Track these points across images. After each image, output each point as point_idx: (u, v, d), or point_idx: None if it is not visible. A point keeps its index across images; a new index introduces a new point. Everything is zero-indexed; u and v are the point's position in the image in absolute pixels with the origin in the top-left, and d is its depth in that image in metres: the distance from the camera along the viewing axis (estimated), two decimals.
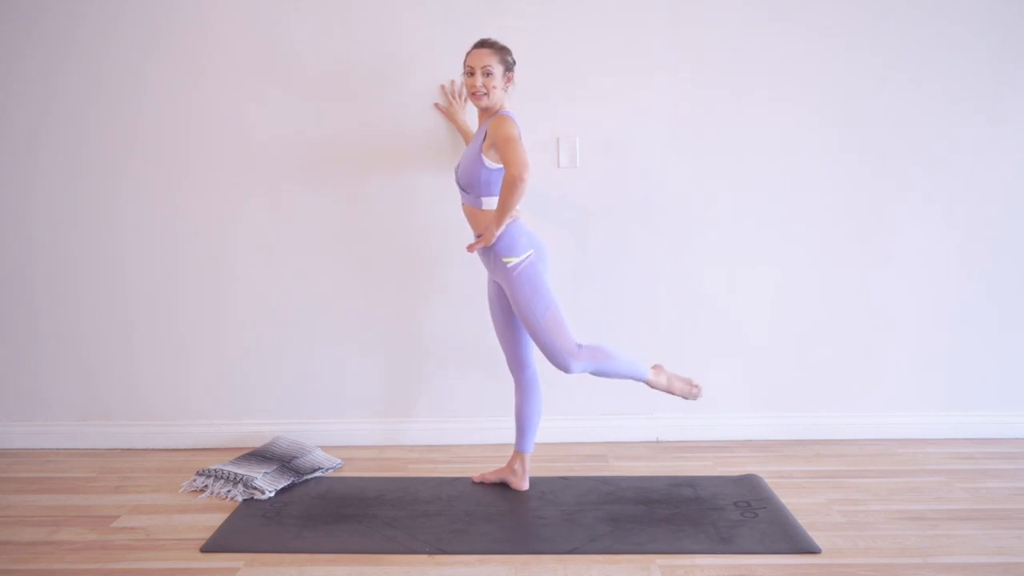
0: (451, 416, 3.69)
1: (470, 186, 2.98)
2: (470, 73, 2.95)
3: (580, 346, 2.94)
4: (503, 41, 3.04)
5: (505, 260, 2.93)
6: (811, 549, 2.63)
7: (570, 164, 3.56)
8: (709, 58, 3.53)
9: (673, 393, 3.15)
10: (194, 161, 3.57)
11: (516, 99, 3.36)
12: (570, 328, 2.95)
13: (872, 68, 3.54)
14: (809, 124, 3.57)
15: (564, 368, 2.94)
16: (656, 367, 3.14)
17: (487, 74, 2.92)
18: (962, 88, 3.55)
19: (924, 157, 3.58)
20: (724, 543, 2.67)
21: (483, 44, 2.98)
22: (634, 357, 3.09)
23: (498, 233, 2.91)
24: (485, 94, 2.93)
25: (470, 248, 2.98)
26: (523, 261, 2.93)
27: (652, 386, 3.11)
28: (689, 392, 3.17)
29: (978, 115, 3.56)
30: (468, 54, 2.99)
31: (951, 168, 3.58)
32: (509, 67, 2.98)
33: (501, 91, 2.97)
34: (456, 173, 3.05)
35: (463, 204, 3.07)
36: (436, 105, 3.50)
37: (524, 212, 3.21)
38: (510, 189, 2.81)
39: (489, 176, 2.93)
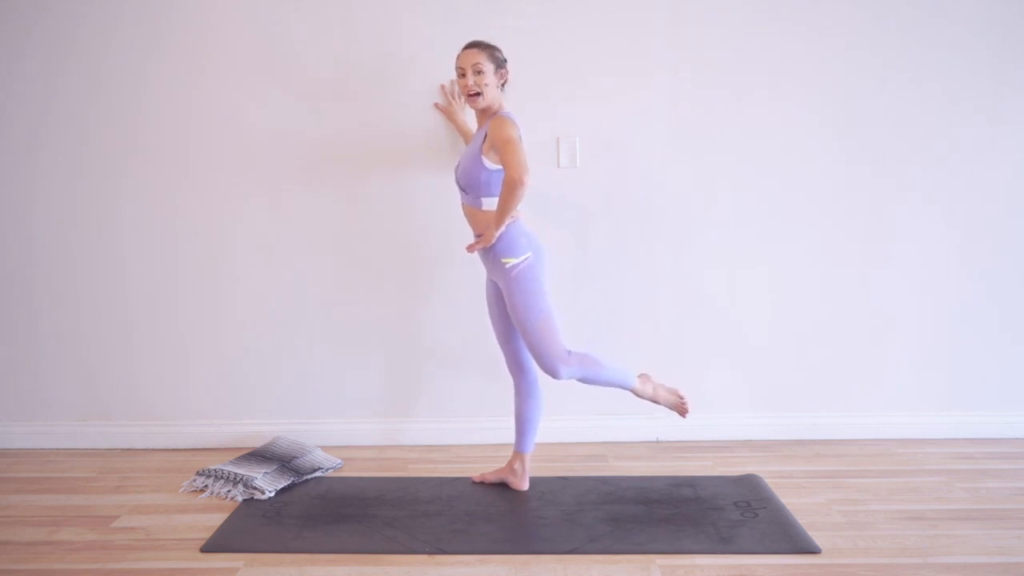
0: (451, 416, 3.69)
1: (470, 187, 2.98)
2: (461, 75, 2.97)
3: (570, 352, 2.95)
4: (501, 41, 3.06)
5: (504, 261, 2.94)
6: (811, 549, 2.63)
7: (570, 164, 3.56)
8: (709, 58, 3.53)
9: (658, 403, 3.14)
10: (194, 161, 3.57)
11: (516, 99, 3.37)
12: (562, 334, 2.96)
13: (872, 68, 3.54)
14: (809, 124, 3.57)
15: (552, 373, 2.94)
16: (642, 376, 3.13)
17: (478, 72, 2.93)
18: (962, 88, 3.55)
19: (924, 157, 3.58)
20: (724, 543, 2.67)
21: (470, 45, 2.99)
22: (622, 366, 3.08)
23: (498, 234, 2.91)
24: (479, 93, 2.94)
25: (470, 248, 2.98)
26: (521, 262, 2.93)
27: (638, 395, 3.11)
28: (674, 403, 3.15)
29: (978, 115, 3.56)
30: (457, 57, 3.00)
31: (951, 168, 3.58)
32: (500, 64, 2.98)
33: (495, 89, 2.97)
34: (456, 173, 3.06)
35: (463, 204, 3.08)
36: (436, 105, 3.50)
37: (524, 212, 3.21)
38: (510, 192, 2.81)
39: (489, 177, 2.94)
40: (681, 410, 3.16)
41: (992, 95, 3.55)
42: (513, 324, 3.07)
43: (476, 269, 3.38)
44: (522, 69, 3.40)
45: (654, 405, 3.49)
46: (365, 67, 3.52)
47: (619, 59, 3.53)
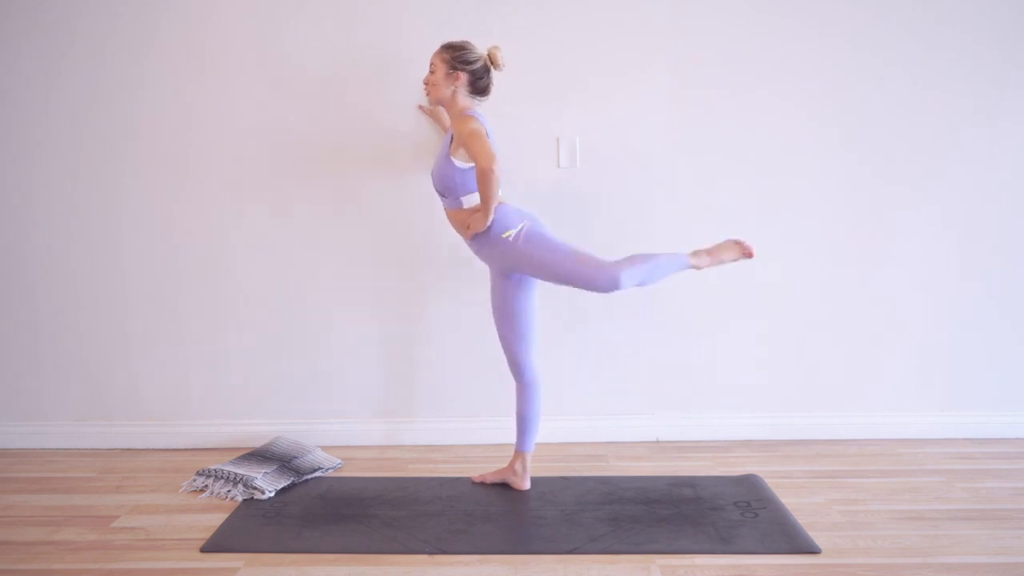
0: (451, 416, 3.69)
1: (447, 189, 3.03)
2: None
3: (617, 261, 2.95)
4: (501, 41, 3.10)
5: (505, 235, 2.96)
6: (811, 549, 2.63)
7: (570, 164, 3.56)
8: (709, 58, 3.53)
9: (724, 262, 3.08)
10: (194, 161, 3.57)
11: (516, 99, 3.38)
12: (596, 253, 2.96)
13: (872, 67, 3.54)
14: (809, 124, 3.57)
15: (614, 285, 2.91)
16: (695, 252, 3.07)
17: (431, 71, 3.06)
18: (962, 88, 3.54)
19: (924, 157, 3.58)
20: (724, 543, 2.67)
21: (441, 44, 3.09)
22: (669, 251, 3.07)
23: (489, 220, 2.94)
24: (427, 91, 3.08)
25: (467, 235, 3.03)
26: (521, 229, 2.97)
27: (699, 268, 3.07)
28: (736, 252, 3.08)
29: (978, 115, 3.56)
30: None
31: (951, 168, 3.58)
32: (454, 67, 3.01)
33: (445, 88, 3.03)
34: (432, 180, 3.10)
35: (445, 210, 3.13)
36: (419, 107, 3.50)
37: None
38: (484, 182, 2.87)
39: (463, 177, 2.98)
40: (747, 253, 3.09)
41: (992, 95, 3.55)
42: (516, 324, 3.09)
43: (476, 269, 3.38)
44: (522, 69, 3.41)
45: (655, 402, 3.57)
46: (365, 67, 3.52)
47: (619, 59, 3.53)
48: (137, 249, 3.61)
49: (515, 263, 3.00)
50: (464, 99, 3.04)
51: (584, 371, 3.66)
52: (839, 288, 3.64)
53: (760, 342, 3.66)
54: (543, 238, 2.97)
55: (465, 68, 3.01)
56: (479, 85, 3.05)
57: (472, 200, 3.01)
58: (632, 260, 2.96)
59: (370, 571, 2.53)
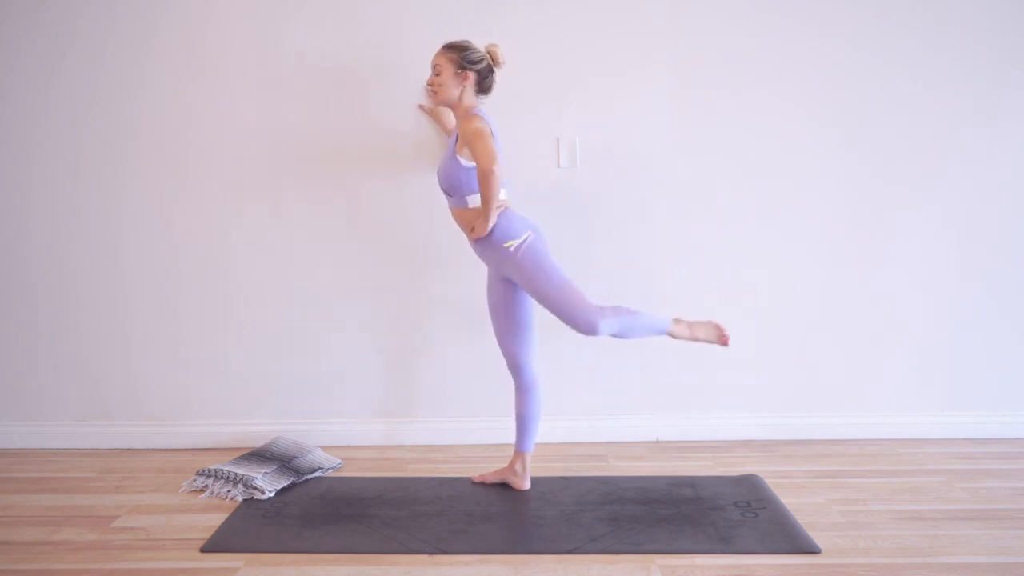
0: (451, 416, 3.69)
1: (452, 188, 3.03)
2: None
3: (602, 307, 2.96)
4: (501, 40, 3.10)
5: (506, 245, 2.97)
6: (811, 549, 2.63)
7: (570, 164, 3.56)
8: (709, 58, 3.53)
9: (698, 340, 3.10)
10: (194, 161, 3.57)
11: (516, 99, 3.37)
12: (585, 293, 2.97)
13: (872, 67, 3.54)
14: (809, 124, 3.57)
15: (592, 329, 2.92)
16: (676, 320, 3.09)
17: (436, 73, 3.04)
18: (962, 88, 3.55)
19: (924, 157, 3.58)
20: (724, 543, 2.67)
21: (443, 45, 3.08)
22: (653, 313, 3.08)
23: (490, 225, 2.94)
24: (434, 92, 3.06)
25: (471, 237, 3.03)
26: (524, 241, 2.97)
27: (675, 337, 3.07)
28: (714, 335, 3.10)
29: (978, 115, 3.56)
30: None
31: (951, 168, 3.58)
32: (462, 66, 3.02)
33: (453, 89, 3.03)
34: (438, 179, 3.10)
35: (450, 209, 3.12)
36: (420, 106, 3.50)
37: (524, 210, 3.21)
38: (484, 183, 2.88)
39: (469, 176, 2.98)
40: (722, 340, 3.11)
41: (992, 95, 3.55)
42: (515, 324, 3.10)
43: (476, 270, 3.37)
44: (522, 70, 3.41)
45: (655, 402, 3.53)
46: (365, 67, 3.52)
47: (619, 59, 3.53)
48: (137, 249, 3.61)
49: (509, 271, 3.02)
50: (470, 98, 3.05)
51: (584, 371, 3.66)
52: (839, 288, 3.64)
53: (760, 342, 3.66)
54: (541, 258, 2.97)
55: (472, 67, 3.02)
56: (485, 84, 3.07)
57: (477, 200, 3.01)
58: (616, 311, 2.97)
59: (370, 571, 2.53)
